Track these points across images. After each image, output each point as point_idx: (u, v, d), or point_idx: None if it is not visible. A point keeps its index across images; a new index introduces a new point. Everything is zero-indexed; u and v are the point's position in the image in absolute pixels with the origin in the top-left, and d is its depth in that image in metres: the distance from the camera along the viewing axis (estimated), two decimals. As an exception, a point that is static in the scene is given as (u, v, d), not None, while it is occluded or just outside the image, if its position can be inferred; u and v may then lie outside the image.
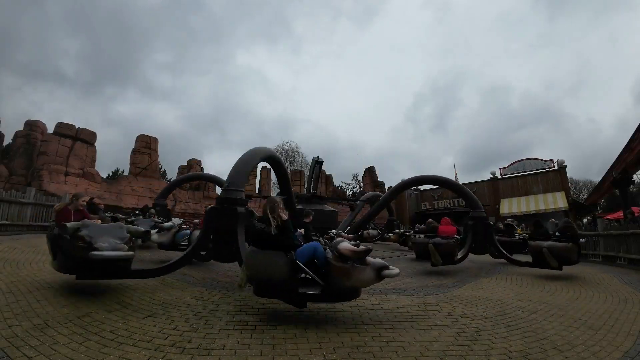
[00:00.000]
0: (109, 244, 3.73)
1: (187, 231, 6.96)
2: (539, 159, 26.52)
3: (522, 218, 24.05)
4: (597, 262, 10.43)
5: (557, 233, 7.22)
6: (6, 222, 10.17)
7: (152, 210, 10.83)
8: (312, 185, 12.69)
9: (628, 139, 15.47)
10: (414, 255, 9.16)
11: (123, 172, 34.96)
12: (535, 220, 8.19)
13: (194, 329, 3.09)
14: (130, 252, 3.97)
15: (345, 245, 3.37)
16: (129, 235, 4.12)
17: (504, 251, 8.07)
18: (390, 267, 3.44)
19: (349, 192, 39.12)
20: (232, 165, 5.72)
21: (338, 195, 34.63)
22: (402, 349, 2.84)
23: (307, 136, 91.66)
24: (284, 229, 3.51)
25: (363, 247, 3.44)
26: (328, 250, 3.50)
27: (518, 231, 18.33)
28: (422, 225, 8.70)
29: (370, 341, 2.99)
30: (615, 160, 17.82)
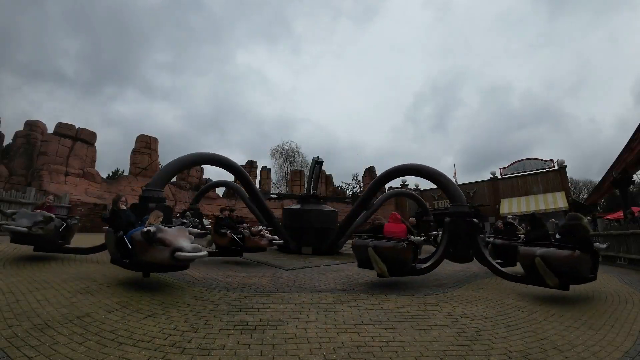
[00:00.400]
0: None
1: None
2: (539, 159, 26.51)
3: (522, 218, 24.08)
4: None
5: (557, 235, 5.33)
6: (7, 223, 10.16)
7: (188, 214, 12.65)
8: (312, 185, 12.67)
9: (628, 139, 15.47)
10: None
11: (123, 172, 34.95)
12: (531, 215, 6.54)
13: (194, 329, 3.09)
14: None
15: (147, 227, 4.14)
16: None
17: (489, 258, 6.25)
18: (195, 250, 4.11)
19: (349, 192, 39.11)
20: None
21: (338, 195, 34.61)
22: (402, 349, 2.84)
23: (307, 136, 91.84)
24: (115, 216, 4.93)
25: (154, 229, 4.10)
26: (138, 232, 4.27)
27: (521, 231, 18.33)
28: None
29: (370, 341, 2.99)
30: (615, 160, 17.82)
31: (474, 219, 6.37)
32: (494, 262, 6.26)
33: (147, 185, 6.50)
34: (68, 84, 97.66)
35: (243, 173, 9.61)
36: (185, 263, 4.35)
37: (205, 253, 4.29)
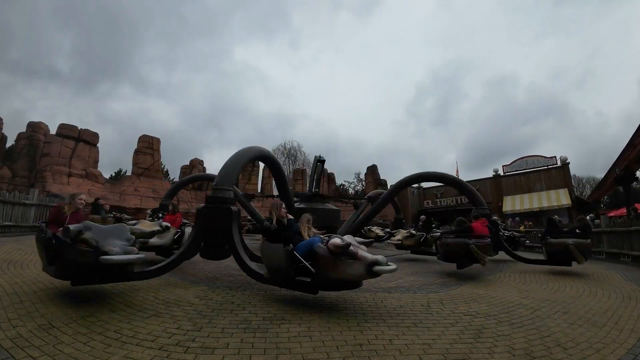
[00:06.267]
0: (119, 247, 3.52)
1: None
2: (542, 156, 26.42)
3: (525, 215, 24.01)
4: (600, 259, 10.39)
5: (577, 230, 7.47)
6: (10, 224, 10.23)
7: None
8: (314, 183, 12.68)
9: (632, 135, 15.38)
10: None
11: (125, 172, 35.07)
12: (548, 219, 8.06)
13: (198, 328, 3.10)
14: (142, 255, 3.86)
15: (333, 240, 3.69)
16: (133, 237, 3.95)
17: (511, 250, 8.29)
18: (387, 263, 3.52)
19: (351, 191, 39.10)
20: (223, 164, 5.72)
21: (340, 193, 34.60)
22: (406, 347, 2.84)
23: (307, 132, 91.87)
24: (284, 226, 4.37)
25: (344, 242, 3.60)
26: (321, 245, 3.81)
27: (521, 228, 18.32)
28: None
29: (373, 339, 2.99)
30: (618, 157, 17.73)
31: (497, 219, 7.48)
32: (514, 252, 8.28)
33: (216, 184, 5.53)
34: (61, 80, 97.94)
35: (281, 171, 8.92)
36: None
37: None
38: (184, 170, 32.59)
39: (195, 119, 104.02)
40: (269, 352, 2.63)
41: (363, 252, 3.61)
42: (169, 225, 6.50)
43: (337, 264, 3.56)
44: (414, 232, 9.17)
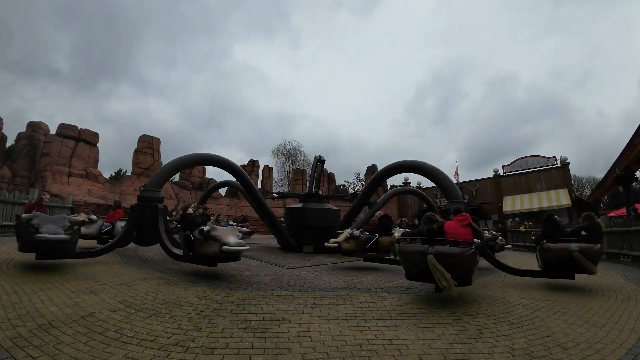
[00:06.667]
0: (49, 229, 4.95)
1: (107, 223, 8.21)
2: (542, 156, 26.40)
3: (525, 215, 24.00)
4: (600, 259, 10.38)
5: (582, 232, 5.71)
6: (10, 223, 10.23)
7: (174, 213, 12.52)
8: (314, 184, 12.66)
9: (632, 135, 15.38)
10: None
11: (125, 172, 35.07)
12: (547, 216, 6.15)
13: (198, 328, 3.10)
14: (66, 236, 5.06)
15: (205, 228, 5.21)
16: (69, 224, 5.25)
17: (493, 257, 6.31)
18: (239, 245, 5.09)
19: (351, 191, 39.09)
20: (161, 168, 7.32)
21: (340, 193, 34.59)
22: (405, 347, 2.84)
23: (307, 132, 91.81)
24: (184, 219, 6.11)
25: (209, 228, 5.22)
26: (197, 231, 5.28)
27: (521, 228, 18.30)
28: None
29: (373, 339, 2.99)
30: (618, 156, 17.73)
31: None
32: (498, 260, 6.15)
33: (145, 185, 7.07)
34: (61, 79, 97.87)
35: (241, 173, 9.65)
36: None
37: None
38: (185, 170, 32.55)
39: (195, 118, 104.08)
40: (268, 352, 2.63)
41: (225, 237, 5.07)
42: (95, 218, 8.08)
43: (204, 244, 5.13)
44: (357, 233, 7.32)
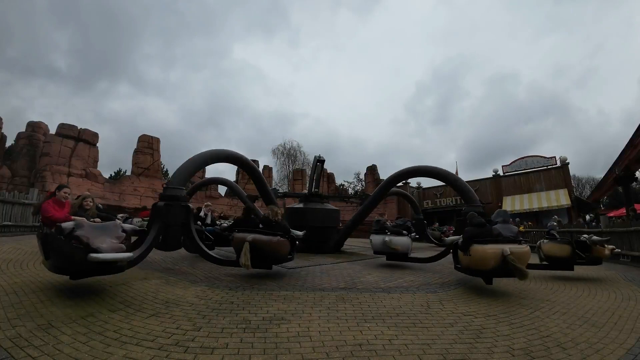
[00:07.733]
0: (106, 245, 3.63)
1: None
2: (542, 156, 26.40)
3: (524, 215, 24.00)
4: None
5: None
6: (9, 223, 10.23)
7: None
8: (314, 184, 12.66)
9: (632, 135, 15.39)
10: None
11: (125, 172, 35.05)
12: (469, 214, 5.92)
13: (197, 328, 3.10)
14: (130, 254, 3.90)
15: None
16: (124, 233, 4.03)
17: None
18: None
19: (351, 191, 39.07)
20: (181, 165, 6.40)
21: (340, 193, 34.59)
22: (405, 347, 2.84)
23: (306, 131, 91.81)
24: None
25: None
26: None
27: (521, 228, 18.28)
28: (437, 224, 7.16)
29: (373, 339, 2.99)
30: (618, 157, 17.74)
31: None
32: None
33: (168, 183, 6.18)
34: (60, 79, 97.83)
35: (261, 177, 9.52)
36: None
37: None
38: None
39: (194, 117, 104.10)
40: (268, 352, 2.63)
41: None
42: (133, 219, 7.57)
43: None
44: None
